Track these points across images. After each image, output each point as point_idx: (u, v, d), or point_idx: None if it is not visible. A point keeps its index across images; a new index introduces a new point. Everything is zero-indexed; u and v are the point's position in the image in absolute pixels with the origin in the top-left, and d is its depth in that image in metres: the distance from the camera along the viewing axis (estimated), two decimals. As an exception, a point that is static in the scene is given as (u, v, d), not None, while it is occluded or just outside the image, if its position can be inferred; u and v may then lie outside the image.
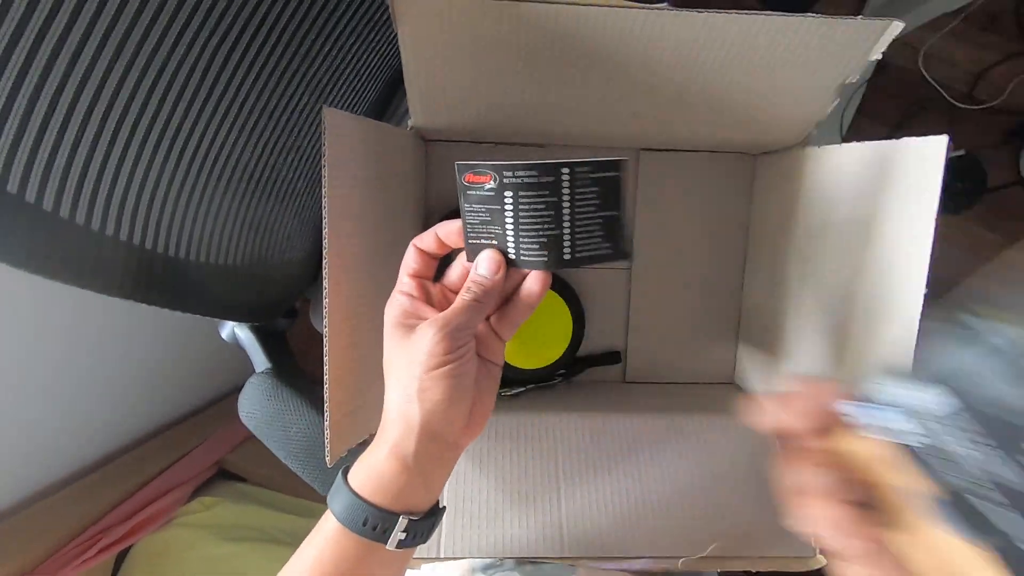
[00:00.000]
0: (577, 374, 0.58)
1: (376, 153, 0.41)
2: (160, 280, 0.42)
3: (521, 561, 0.45)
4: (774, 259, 0.52)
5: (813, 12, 0.37)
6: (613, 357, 0.58)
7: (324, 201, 0.34)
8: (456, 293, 0.35)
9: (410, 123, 0.47)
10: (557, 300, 0.54)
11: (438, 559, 0.43)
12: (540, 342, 0.55)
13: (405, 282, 0.35)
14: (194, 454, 0.99)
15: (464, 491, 0.46)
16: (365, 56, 0.49)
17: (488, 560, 0.44)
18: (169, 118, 0.37)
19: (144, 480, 0.90)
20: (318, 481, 0.48)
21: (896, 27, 0.35)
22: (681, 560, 0.45)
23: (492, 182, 0.31)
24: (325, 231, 0.34)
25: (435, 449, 0.32)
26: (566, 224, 0.31)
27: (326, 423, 0.36)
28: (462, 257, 0.35)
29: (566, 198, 0.30)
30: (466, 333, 0.32)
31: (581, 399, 0.55)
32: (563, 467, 0.48)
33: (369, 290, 0.40)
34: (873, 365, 0.39)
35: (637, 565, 0.45)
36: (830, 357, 0.44)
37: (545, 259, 0.32)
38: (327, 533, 0.31)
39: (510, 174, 0.30)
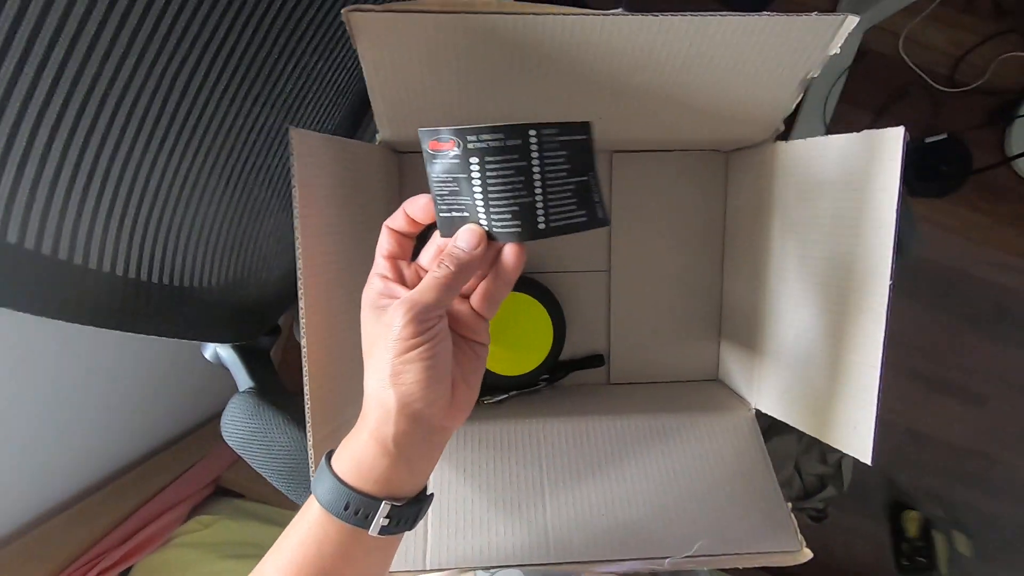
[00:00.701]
0: (561, 378, 0.58)
1: (345, 170, 0.41)
2: (143, 307, 0.42)
3: (514, 567, 0.45)
4: (751, 254, 0.52)
5: (786, 1, 0.37)
6: (596, 360, 0.58)
7: (296, 221, 0.34)
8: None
9: (378, 137, 0.47)
10: (536, 305, 0.55)
11: (424, 571, 0.43)
12: (522, 348, 0.55)
13: (379, 263, 0.34)
14: (191, 473, 0.99)
15: (448, 500, 0.46)
16: (331, 74, 0.49)
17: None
18: (136, 148, 0.37)
19: (141, 501, 0.90)
20: (303, 498, 0.48)
21: (851, 21, 0.36)
22: (668, 560, 0.45)
23: (456, 148, 0.29)
24: (298, 251, 0.34)
25: (417, 432, 0.31)
26: (537, 191, 0.30)
27: (309, 443, 0.36)
28: (436, 236, 0.34)
29: (535, 163, 0.29)
30: (435, 313, 0.30)
31: (566, 403, 0.55)
32: (548, 473, 0.48)
33: (346, 307, 0.40)
34: (848, 356, 0.40)
35: (624, 567, 0.45)
36: (809, 349, 0.44)
37: (519, 230, 0.30)
38: (310, 518, 0.31)
39: (474, 138, 0.29)
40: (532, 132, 0.29)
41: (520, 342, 0.54)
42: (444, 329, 0.31)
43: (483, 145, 0.29)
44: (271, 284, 0.56)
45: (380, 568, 0.34)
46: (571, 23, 0.35)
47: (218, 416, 1.17)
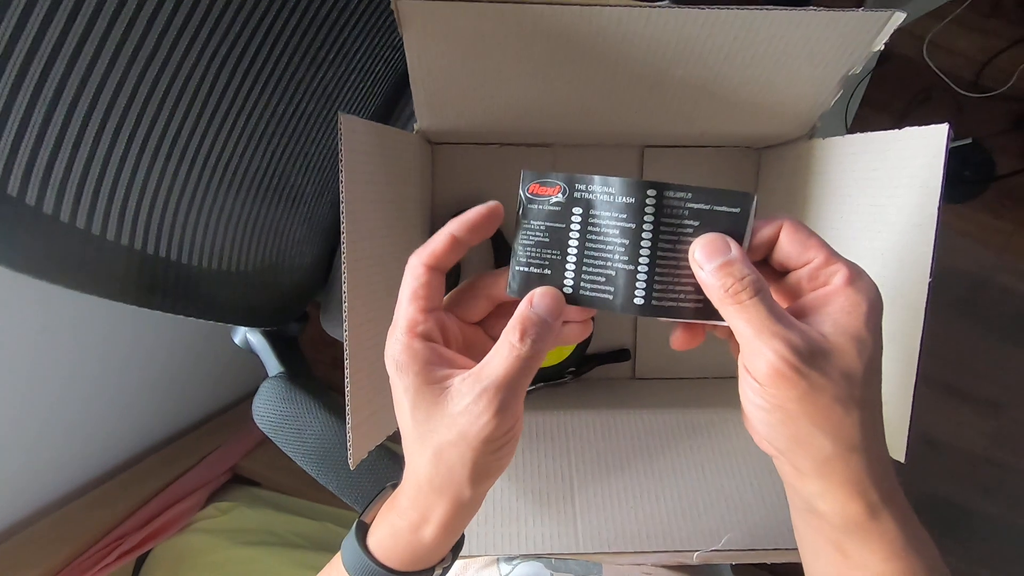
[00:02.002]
0: (587, 371, 0.58)
1: (387, 156, 0.42)
2: (169, 287, 0.43)
3: (542, 556, 0.45)
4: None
5: (814, 4, 0.37)
6: (622, 355, 0.58)
7: (342, 205, 0.34)
8: (476, 325, 0.30)
9: (416, 126, 0.47)
10: None
11: (454, 557, 0.44)
12: None
13: (417, 318, 0.27)
14: (209, 460, 1.00)
15: (478, 489, 0.46)
16: (370, 62, 0.50)
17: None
18: (175, 124, 0.37)
19: (160, 486, 0.91)
20: (333, 483, 0.49)
21: (898, 17, 0.36)
22: (696, 553, 0.45)
23: (560, 195, 0.27)
24: (343, 235, 0.35)
25: (466, 515, 0.29)
26: (643, 260, 0.26)
27: (348, 426, 0.36)
28: (483, 279, 0.30)
29: (647, 227, 0.26)
30: (521, 395, 0.26)
31: (592, 396, 0.55)
32: (576, 464, 0.48)
33: (385, 291, 0.40)
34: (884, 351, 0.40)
35: (652, 559, 0.45)
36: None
37: (609, 298, 0.27)
38: None
39: (583, 187, 0.26)
40: (651, 192, 0.26)
41: None
42: (521, 410, 0.27)
43: (591, 196, 0.26)
44: (302, 270, 0.56)
45: None
46: (619, 15, 0.35)
47: (235, 404, 1.19)
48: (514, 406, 0.25)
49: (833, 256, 0.26)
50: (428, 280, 0.28)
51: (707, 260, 0.25)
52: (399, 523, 0.29)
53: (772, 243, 0.27)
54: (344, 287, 0.35)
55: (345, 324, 0.36)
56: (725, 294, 0.25)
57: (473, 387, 0.25)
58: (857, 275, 0.25)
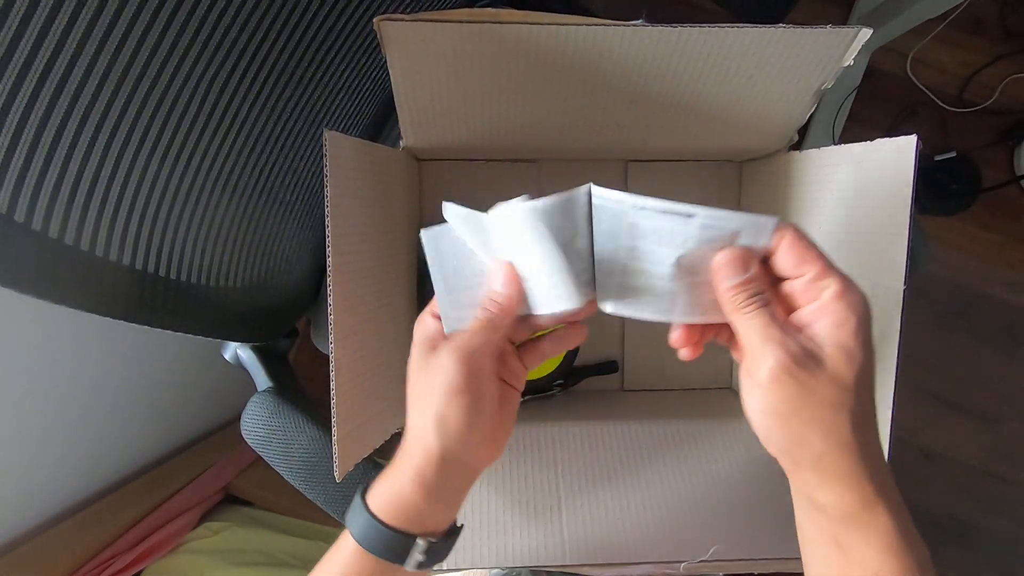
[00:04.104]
0: (575, 384, 0.58)
1: (373, 172, 0.43)
2: (163, 303, 0.43)
3: (537, 571, 0.45)
4: (764, 263, 0.53)
5: (794, 20, 0.38)
6: (610, 367, 0.59)
7: (327, 219, 0.35)
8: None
9: (402, 143, 0.48)
10: None
11: (441, 571, 0.44)
12: None
13: (436, 303, 0.34)
14: (201, 479, 0.99)
15: (467, 501, 0.46)
16: (358, 81, 0.51)
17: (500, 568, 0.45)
18: (163, 143, 0.38)
19: (152, 506, 0.91)
20: (320, 497, 0.49)
21: (865, 34, 0.37)
22: (683, 564, 0.45)
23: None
24: (328, 248, 0.36)
25: (456, 474, 0.32)
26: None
27: (334, 438, 0.36)
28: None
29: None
30: (483, 353, 0.31)
31: (580, 409, 0.55)
32: (563, 476, 0.48)
33: (371, 306, 0.41)
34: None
35: (639, 571, 0.45)
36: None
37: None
38: (346, 554, 0.32)
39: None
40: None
41: None
42: (491, 373, 0.32)
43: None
44: (292, 286, 0.57)
45: None
46: (594, 34, 0.36)
47: (228, 424, 1.18)
48: (474, 361, 0.31)
49: (827, 269, 0.28)
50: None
51: (728, 276, 0.28)
52: (389, 476, 0.33)
53: (771, 252, 0.29)
54: (329, 301, 0.36)
55: (331, 337, 0.36)
56: (737, 305, 0.28)
57: (446, 346, 0.31)
58: (847, 289, 0.27)
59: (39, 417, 0.76)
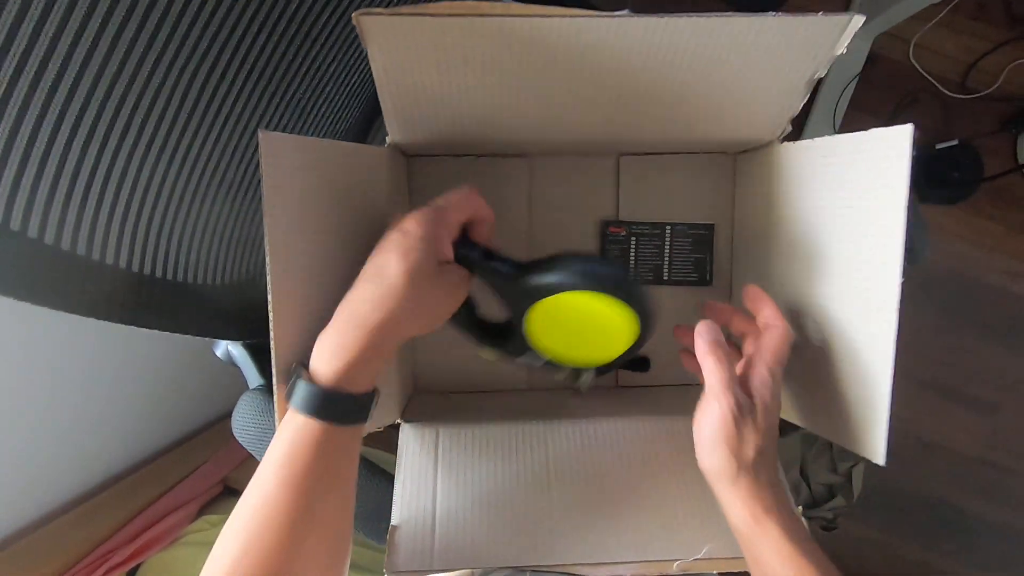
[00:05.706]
0: (604, 374, 0.52)
1: (324, 170, 0.41)
2: (154, 304, 0.43)
3: (521, 568, 0.45)
4: (760, 255, 0.52)
5: (793, 6, 0.37)
6: (643, 363, 0.55)
7: (266, 222, 0.35)
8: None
9: (388, 139, 0.47)
10: (627, 320, 0.44)
11: (431, 571, 0.43)
12: (587, 349, 0.48)
13: (446, 219, 0.39)
14: (200, 472, 0.99)
15: (457, 501, 0.46)
16: (343, 76, 0.50)
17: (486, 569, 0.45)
18: (156, 144, 0.38)
19: (150, 499, 0.91)
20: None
21: (857, 21, 0.36)
22: (677, 563, 0.45)
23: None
24: (267, 248, 0.35)
25: (384, 346, 0.36)
26: None
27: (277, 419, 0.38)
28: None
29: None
30: (430, 240, 0.37)
31: (571, 406, 0.55)
32: (555, 475, 0.48)
33: (320, 309, 0.39)
34: (860, 355, 0.40)
35: (631, 570, 0.45)
36: (819, 350, 0.44)
37: None
38: (290, 430, 0.35)
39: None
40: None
41: (588, 344, 0.47)
42: (430, 255, 0.37)
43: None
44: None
45: (352, 461, 0.39)
46: (578, 25, 0.35)
47: (226, 416, 1.18)
48: (417, 248, 0.36)
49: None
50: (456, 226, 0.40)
51: (705, 335, 0.40)
52: (325, 343, 0.36)
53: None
54: (269, 300, 0.36)
55: (272, 342, 0.37)
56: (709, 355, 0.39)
57: (393, 236, 0.37)
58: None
59: (34, 409, 0.76)
